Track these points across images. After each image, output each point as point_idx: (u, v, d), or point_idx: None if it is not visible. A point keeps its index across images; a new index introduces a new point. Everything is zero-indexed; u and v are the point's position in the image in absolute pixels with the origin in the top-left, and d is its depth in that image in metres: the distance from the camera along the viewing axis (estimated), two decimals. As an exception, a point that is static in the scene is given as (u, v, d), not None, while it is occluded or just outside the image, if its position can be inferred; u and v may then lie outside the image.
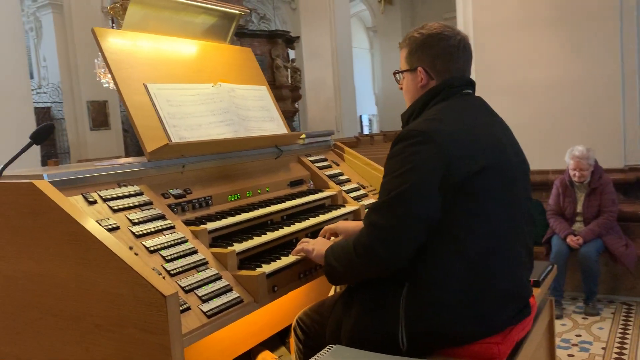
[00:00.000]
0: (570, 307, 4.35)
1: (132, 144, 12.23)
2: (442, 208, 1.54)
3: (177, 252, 1.70)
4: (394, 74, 1.85)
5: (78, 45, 10.76)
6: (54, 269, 1.57)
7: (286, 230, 2.10)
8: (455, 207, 1.54)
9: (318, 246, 1.86)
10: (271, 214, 2.17)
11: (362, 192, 2.70)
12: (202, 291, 1.62)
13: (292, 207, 2.29)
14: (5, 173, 1.75)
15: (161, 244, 1.69)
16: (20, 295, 1.67)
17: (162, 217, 1.80)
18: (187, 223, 1.88)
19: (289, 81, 11.07)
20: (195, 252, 1.75)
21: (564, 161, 4.36)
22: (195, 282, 1.64)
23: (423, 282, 1.57)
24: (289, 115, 11.46)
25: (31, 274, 1.63)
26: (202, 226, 1.86)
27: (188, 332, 1.48)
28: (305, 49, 12.52)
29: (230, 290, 1.70)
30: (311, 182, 2.63)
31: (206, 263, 1.73)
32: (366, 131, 19.20)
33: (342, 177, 2.74)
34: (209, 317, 1.57)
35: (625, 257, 4.13)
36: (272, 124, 2.50)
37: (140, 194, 1.84)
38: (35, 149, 6.45)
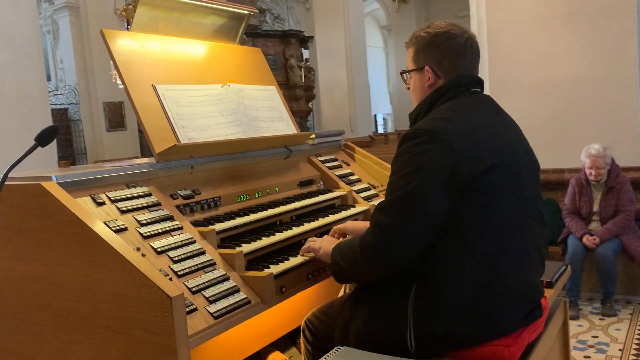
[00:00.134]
0: (587, 308, 4.29)
1: (148, 145, 12.32)
2: (450, 208, 1.52)
3: (184, 253, 1.70)
4: (401, 73, 1.83)
5: (94, 47, 10.89)
6: (62, 270, 1.58)
7: (295, 230, 2.09)
8: (462, 206, 1.52)
9: (325, 244, 1.85)
10: (280, 214, 2.17)
11: (372, 192, 2.69)
12: (209, 292, 1.62)
13: (302, 208, 2.29)
14: (17, 175, 1.77)
15: (169, 245, 1.69)
16: (29, 295, 1.68)
17: (170, 218, 1.81)
18: (196, 224, 1.88)
19: (303, 81, 11.06)
20: (203, 253, 1.75)
21: (580, 160, 4.30)
22: (203, 283, 1.64)
23: (431, 283, 1.55)
24: (302, 115, 11.46)
25: (40, 275, 1.64)
26: (210, 227, 1.86)
27: (194, 333, 1.48)
28: (319, 48, 12.53)
29: (238, 291, 1.69)
30: (321, 182, 2.62)
31: (214, 264, 1.73)
32: (381, 130, 19.17)
33: (352, 177, 2.72)
34: (215, 318, 1.56)
35: (643, 257, 4.06)
36: (281, 124, 2.49)
37: (149, 195, 1.85)
38: (52, 151, 6.54)
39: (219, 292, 1.64)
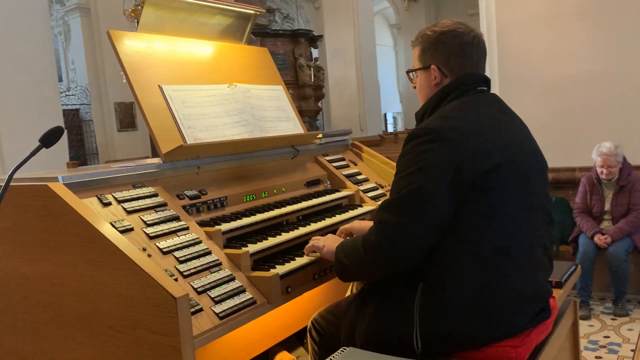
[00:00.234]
0: (599, 308, 4.25)
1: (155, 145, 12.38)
2: (455, 207, 1.51)
3: (190, 253, 1.70)
4: (407, 72, 1.82)
5: (105, 48, 10.93)
6: (68, 270, 1.59)
7: (301, 230, 2.08)
8: (468, 205, 1.51)
9: (329, 243, 1.85)
10: (287, 214, 2.16)
11: (380, 191, 2.67)
12: (214, 292, 1.62)
13: (308, 208, 2.28)
14: (23, 175, 1.78)
15: (175, 245, 1.69)
16: (35, 295, 1.69)
17: (176, 219, 1.81)
18: (202, 224, 1.88)
19: (312, 80, 11.04)
20: (209, 253, 1.75)
21: (591, 158, 4.25)
22: (208, 283, 1.64)
23: (436, 283, 1.54)
24: (312, 115, 11.43)
25: (45, 275, 1.65)
26: (217, 227, 1.86)
27: (200, 333, 1.48)
28: (328, 47, 12.52)
29: (244, 291, 1.69)
30: (328, 182, 2.61)
31: (220, 264, 1.73)
32: (391, 129, 19.12)
33: (359, 177, 2.71)
34: (221, 318, 1.56)
35: (655, 257, 4.02)
36: (288, 123, 2.49)
37: (155, 195, 1.85)
38: (64, 151, 6.58)
39: (225, 293, 1.64)
